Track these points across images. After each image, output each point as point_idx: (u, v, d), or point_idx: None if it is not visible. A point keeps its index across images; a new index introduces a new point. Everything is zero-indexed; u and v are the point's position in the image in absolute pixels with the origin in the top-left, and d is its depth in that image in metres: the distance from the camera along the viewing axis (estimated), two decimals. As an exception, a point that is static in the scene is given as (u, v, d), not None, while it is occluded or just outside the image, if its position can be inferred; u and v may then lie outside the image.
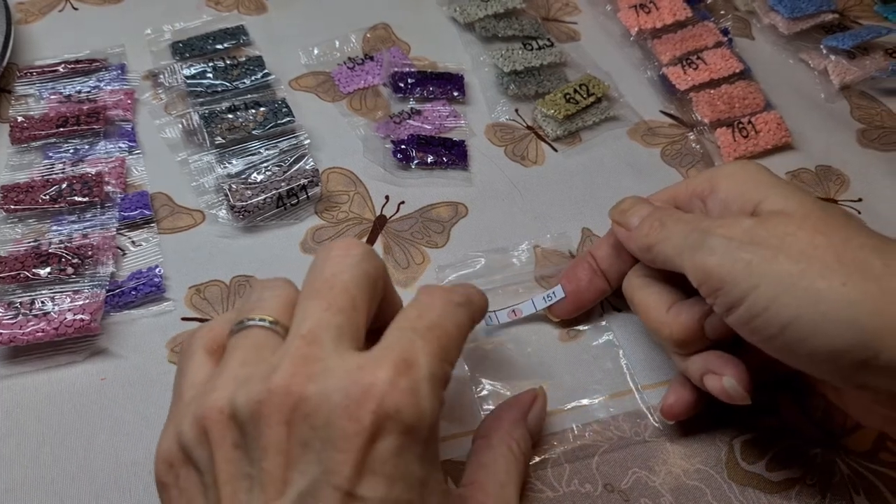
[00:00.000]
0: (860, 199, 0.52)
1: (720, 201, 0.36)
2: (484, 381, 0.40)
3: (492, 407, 0.39)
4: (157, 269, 0.44)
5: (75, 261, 0.43)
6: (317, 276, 0.30)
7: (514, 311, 0.43)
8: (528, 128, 0.55)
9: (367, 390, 0.25)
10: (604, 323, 0.43)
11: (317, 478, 0.25)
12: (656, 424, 0.39)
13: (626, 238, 0.38)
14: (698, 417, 0.39)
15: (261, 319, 0.29)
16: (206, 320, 0.42)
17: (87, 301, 0.40)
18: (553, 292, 0.42)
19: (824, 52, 0.60)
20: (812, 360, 0.30)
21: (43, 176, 0.47)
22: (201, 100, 0.53)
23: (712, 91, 0.55)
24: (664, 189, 0.40)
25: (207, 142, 0.50)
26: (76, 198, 0.46)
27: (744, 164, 0.37)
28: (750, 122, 0.54)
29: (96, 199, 0.46)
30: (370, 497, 0.25)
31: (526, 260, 0.46)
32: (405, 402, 0.26)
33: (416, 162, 0.51)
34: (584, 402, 0.40)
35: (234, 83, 0.54)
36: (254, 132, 0.50)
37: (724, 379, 0.35)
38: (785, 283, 0.30)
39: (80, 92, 0.53)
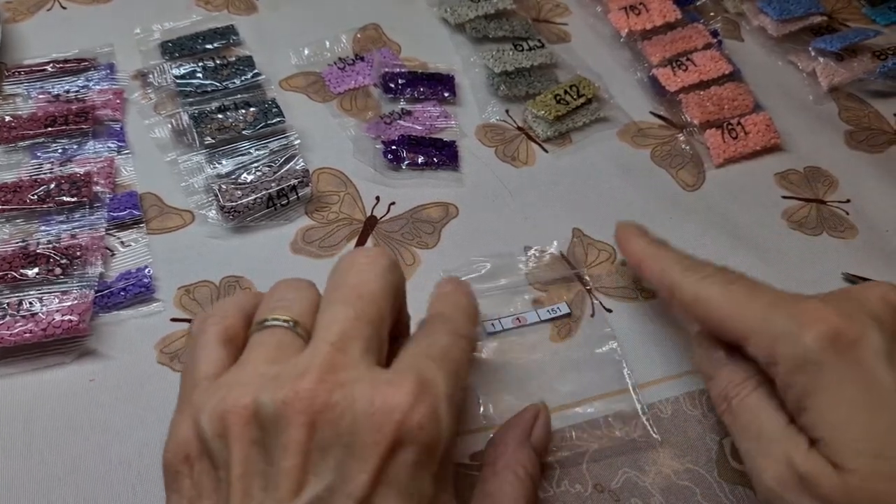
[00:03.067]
0: (848, 200, 0.52)
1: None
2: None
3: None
4: (146, 270, 0.44)
5: (63, 261, 0.42)
6: (343, 282, 0.30)
7: (518, 318, 0.43)
8: (519, 129, 0.55)
9: (392, 405, 0.26)
10: (595, 323, 0.43)
11: (333, 484, 0.25)
12: (646, 424, 0.39)
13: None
14: (688, 418, 0.39)
15: (285, 321, 0.30)
16: (196, 321, 0.42)
17: (76, 302, 0.40)
18: (558, 307, 0.43)
19: (813, 54, 0.61)
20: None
21: (31, 176, 0.47)
22: (191, 100, 0.53)
23: (702, 92, 0.56)
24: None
25: (197, 142, 0.49)
26: (64, 198, 0.46)
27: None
28: (739, 123, 0.54)
29: (85, 199, 0.46)
30: None
31: (532, 265, 0.46)
32: (427, 421, 0.27)
33: (406, 162, 0.51)
34: (575, 401, 0.40)
35: (224, 83, 0.53)
36: (244, 132, 0.50)
37: None
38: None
39: (68, 91, 0.53)
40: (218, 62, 0.55)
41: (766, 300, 0.33)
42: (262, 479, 0.26)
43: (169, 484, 0.28)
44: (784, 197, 0.52)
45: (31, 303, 0.40)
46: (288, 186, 0.47)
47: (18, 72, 0.54)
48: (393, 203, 0.49)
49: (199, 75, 0.54)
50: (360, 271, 0.31)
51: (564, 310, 0.43)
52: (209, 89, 0.53)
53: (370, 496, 0.25)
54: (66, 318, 0.40)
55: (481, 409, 0.39)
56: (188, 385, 0.29)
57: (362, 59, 0.58)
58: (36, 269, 0.42)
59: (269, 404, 0.26)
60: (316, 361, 0.27)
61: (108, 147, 0.50)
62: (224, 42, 0.58)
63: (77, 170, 0.48)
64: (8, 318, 0.39)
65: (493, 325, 0.42)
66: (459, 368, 0.31)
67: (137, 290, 0.43)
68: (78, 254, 0.43)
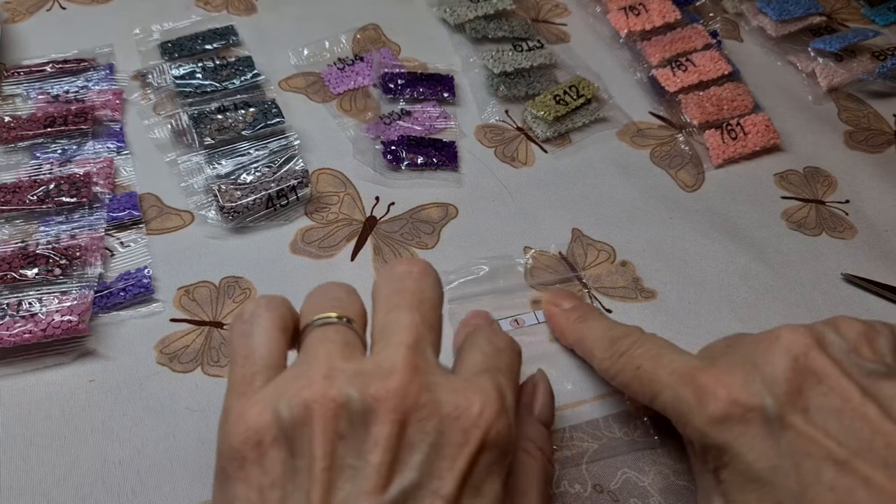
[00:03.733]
0: (847, 201, 0.52)
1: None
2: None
3: None
4: (145, 270, 0.44)
5: (63, 262, 0.42)
6: (403, 288, 0.31)
7: (516, 320, 0.43)
8: (518, 129, 0.55)
9: (477, 411, 0.28)
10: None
11: (419, 481, 0.26)
12: (646, 424, 0.39)
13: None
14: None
15: (347, 319, 0.31)
16: (196, 321, 0.42)
17: (75, 302, 0.40)
18: None
19: (812, 54, 0.61)
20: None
21: (30, 176, 0.47)
22: (190, 100, 0.53)
23: (701, 93, 0.56)
24: None
25: (196, 142, 0.49)
26: (64, 198, 0.46)
27: None
28: (738, 123, 0.54)
29: (84, 199, 0.46)
30: None
31: (531, 266, 0.46)
32: (504, 428, 0.28)
33: (406, 163, 0.51)
34: (574, 402, 0.40)
35: (224, 84, 0.53)
36: (243, 133, 0.50)
37: None
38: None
39: (68, 92, 0.53)
40: (217, 63, 0.55)
41: (672, 376, 0.33)
42: (348, 472, 0.26)
43: (232, 472, 0.27)
44: (783, 197, 0.52)
45: (30, 303, 0.40)
46: (287, 187, 0.47)
47: (18, 72, 0.54)
48: (392, 203, 0.49)
49: (199, 76, 0.54)
50: (417, 279, 0.32)
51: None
52: (209, 90, 0.53)
53: (459, 496, 0.26)
54: (66, 318, 0.39)
55: None
56: (247, 370, 0.29)
57: (362, 59, 0.58)
58: (35, 270, 0.42)
59: (358, 399, 0.27)
60: (399, 362, 0.28)
61: (108, 147, 0.50)
62: (223, 43, 0.58)
63: (76, 170, 0.48)
64: (7, 318, 0.39)
65: None
66: (516, 384, 0.32)
67: (137, 291, 0.43)
68: (77, 254, 0.43)
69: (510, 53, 0.57)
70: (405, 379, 0.27)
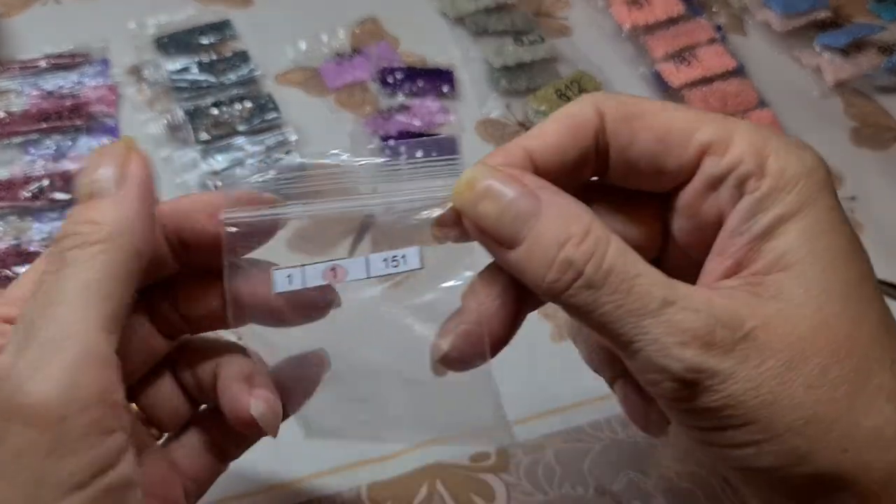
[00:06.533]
0: (853, 198, 0.51)
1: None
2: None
3: None
4: (139, 268, 0.43)
5: (56, 259, 0.42)
6: None
7: (333, 269, 0.27)
8: (520, 124, 0.54)
9: None
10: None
11: None
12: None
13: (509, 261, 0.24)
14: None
15: None
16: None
17: (68, 301, 0.40)
18: (403, 255, 0.26)
19: (818, 49, 0.60)
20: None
21: (24, 173, 0.47)
22: (186, 95, 0.52)
23: (705, 88, 0.55)
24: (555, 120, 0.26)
25: (192, 138, 0.49)
26: (58, 195, 0.45)
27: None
28: (744, 119, 0.54)
29: (78, 196, 0.45)
30: None
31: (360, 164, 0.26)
32: None
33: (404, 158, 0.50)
34: (576, 404, 0.39)
35: (220, 78, 0.53)
36: (239, 128, 0.49)
37: None
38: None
39: (62, 87, 0.52)
40: (213, 57, 0.54)
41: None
42: None
43: None
44: (788, 194, 0.51)
45: (22, 302, 0.40)
46: (284, 183, 0.46)
47: (11, 67, 0.53)
48: (391, 200, 0.48)
49: (194, 70, 0.53)
50: None
51: (414, 262, 0.26)
52: (204, 85, 0.52)
53: None
54: (58, 317, 0.39)
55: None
56: None
57: (360, 53, 0.57)
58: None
59: None
60: None
61: (102, 143, 0.49)
62: (219, 37, 0.57)
63: (70, 166, 0.47)
64: None
65: (288, 277, 0.26)
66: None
67: (131, 289, 0.42)
68: (70, 252, 0.42)
69: (511, 47, 0.57)
70: None
